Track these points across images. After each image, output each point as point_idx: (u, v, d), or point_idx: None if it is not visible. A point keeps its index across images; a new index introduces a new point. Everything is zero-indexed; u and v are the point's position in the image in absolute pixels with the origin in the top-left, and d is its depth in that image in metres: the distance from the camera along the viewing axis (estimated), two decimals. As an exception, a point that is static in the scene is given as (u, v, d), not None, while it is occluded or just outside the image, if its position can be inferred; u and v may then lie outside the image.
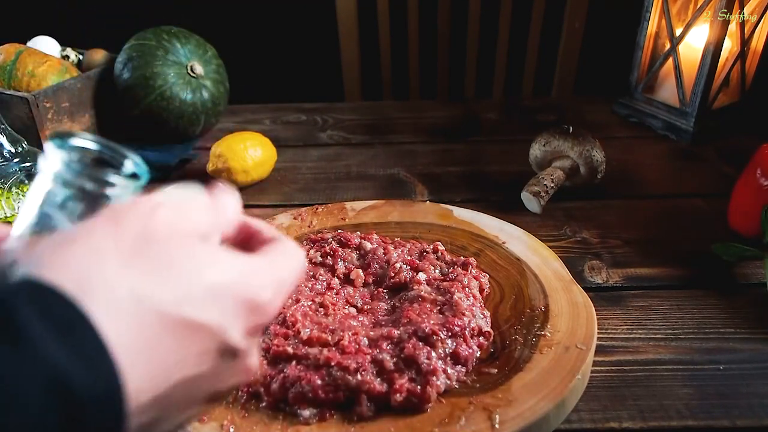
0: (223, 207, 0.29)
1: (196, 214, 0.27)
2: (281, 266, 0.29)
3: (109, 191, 0.31)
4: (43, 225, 0.30)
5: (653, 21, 0.93)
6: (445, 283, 0.55)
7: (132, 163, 0.31)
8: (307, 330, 0.49)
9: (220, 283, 0.25)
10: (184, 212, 0.26)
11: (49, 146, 0.31)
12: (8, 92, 0.81)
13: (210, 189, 0.30)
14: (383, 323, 0.52)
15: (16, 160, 0.67)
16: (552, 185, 0.74)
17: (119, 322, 0.21)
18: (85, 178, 0.30)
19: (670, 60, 0.92)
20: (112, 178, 0.31)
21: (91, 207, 0.30)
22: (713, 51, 0.84)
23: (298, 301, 0.53)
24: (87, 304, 0.21)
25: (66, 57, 1.01)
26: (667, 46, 0.92)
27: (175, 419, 0.26)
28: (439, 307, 0.52)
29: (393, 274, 0.58)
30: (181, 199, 0.27)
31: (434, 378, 0.45)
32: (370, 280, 0.59)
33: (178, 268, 0.24)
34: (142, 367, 0.22)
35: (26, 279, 0.21)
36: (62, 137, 0.31)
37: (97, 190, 0.30)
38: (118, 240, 0.23)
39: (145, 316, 0.22)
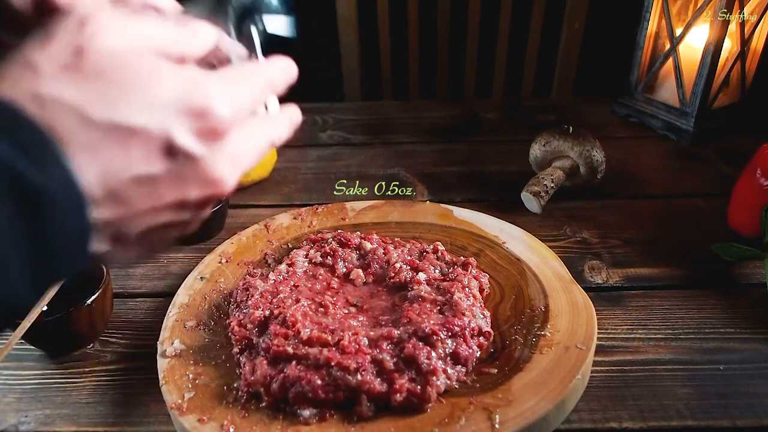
0: (192, 30, 0.31)
1: (136, 29, 0.28)
2: (241, 83, 0.30)
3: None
4: None
5: (653, 21, 0.93)
6: (445, 283, 0.55)
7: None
8: (307, 330, 0.49)
9: (161, 89, 0.27)
10: (121, 27, 0.27)
11: None
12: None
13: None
14: (383, 323, 0.52)
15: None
16: (552, 185, 0.74)
17: (55, 121, 0.24)
18: None
19: (670, 60, 0.92)
20: None
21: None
22: (713, 51, 0.84)
23: (298, 301, 0.53)
24: (22, 107, 0.23)
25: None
26: (667, 46, 0.92)
27: (143, 221, 0.28)
28: (439, 307, 0.52)
29: (393, 274, 0.58)
30: (119, 15, 0.28)
31: (434, 378, 0.45)
32: (370, 280, 0.59)
33: (110, 78, 0.26)
34: (87, 162, 0.25)
35: None
36: None
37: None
38: (48, 56, 0.25)
39: (81, 120, 0.25)
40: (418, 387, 0.45)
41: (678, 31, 0.89)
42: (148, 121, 0.26)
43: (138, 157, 0.26)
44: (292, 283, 0.57)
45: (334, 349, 0.47)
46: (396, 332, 0.48)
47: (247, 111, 0.31)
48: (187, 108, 0.27)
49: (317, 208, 0.72)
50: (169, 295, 0.59)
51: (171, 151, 0.27)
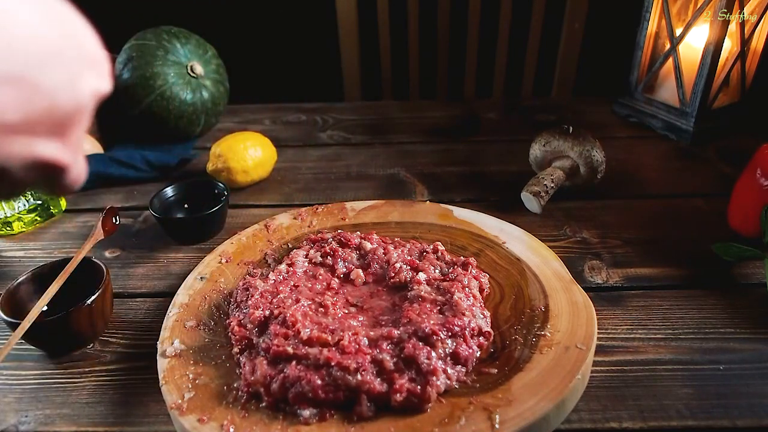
0: None
1: None
2: None
3: None
4: None
5: (653, 21, 0.93)
6: (445, 283, 0.55)
7: None
8: (307, 330, 0.49)
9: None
10: None
11: None
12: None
13: None
14: (383, 323, 0.52)
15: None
16: (552, 185, 0.74)
17: None
18: None
19: (670, 60, 0.92)
20: None
21: None
22: (713, 51, 0.84)
23: (298, 301, 0.53)
24: None
25: (66, 57, 1.00)
26: (667, 46, 0.92)
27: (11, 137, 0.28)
28: (439, 307, 0.52)
29: (393, 274, 0.58)
30: None
31: (434, 378, 0.45)
32: (371, 280, 0.59)
33: None
34: None
35: None
36: None
37: None
38: None
39: None
40: (418, 387, 0.45)
41: (678, 31, 0.89)
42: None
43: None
44: (292, 283, 0.57)
45: (334, 349, 0.47)
46: (396, 332, 0.48)
47: None
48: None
49: (317, 208, 0.72)
50: (169, 295, 0.59)
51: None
